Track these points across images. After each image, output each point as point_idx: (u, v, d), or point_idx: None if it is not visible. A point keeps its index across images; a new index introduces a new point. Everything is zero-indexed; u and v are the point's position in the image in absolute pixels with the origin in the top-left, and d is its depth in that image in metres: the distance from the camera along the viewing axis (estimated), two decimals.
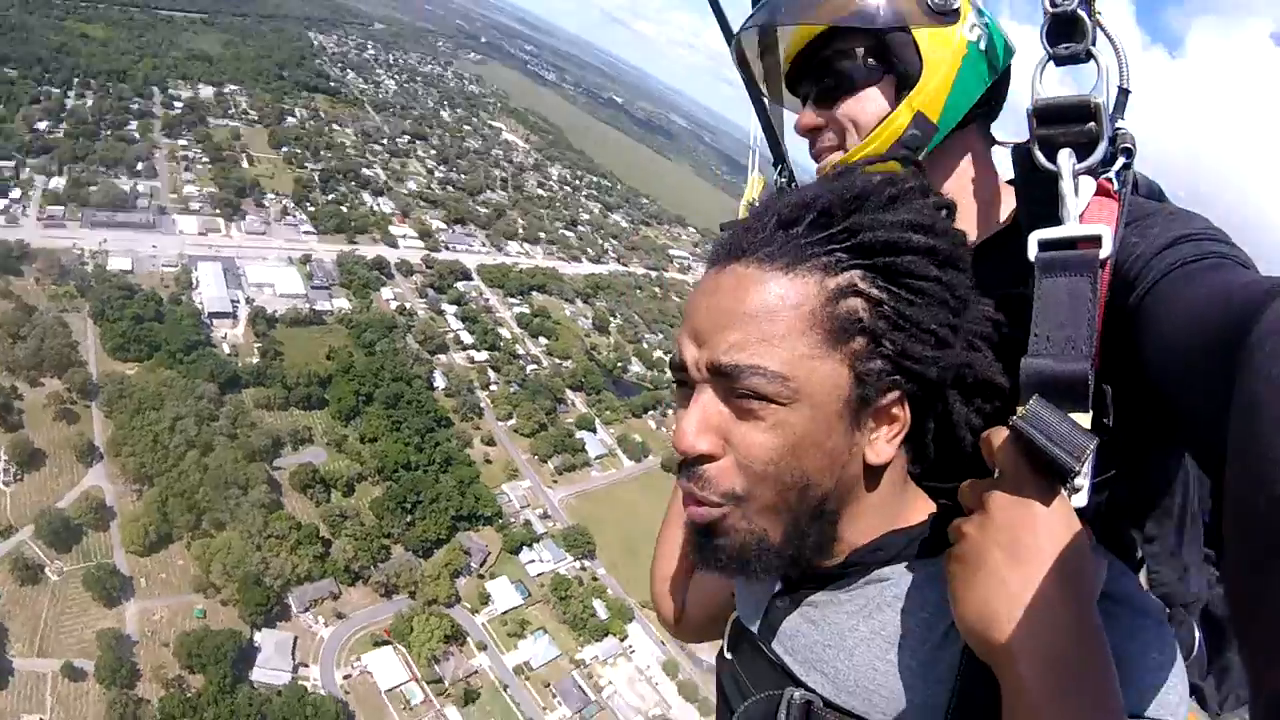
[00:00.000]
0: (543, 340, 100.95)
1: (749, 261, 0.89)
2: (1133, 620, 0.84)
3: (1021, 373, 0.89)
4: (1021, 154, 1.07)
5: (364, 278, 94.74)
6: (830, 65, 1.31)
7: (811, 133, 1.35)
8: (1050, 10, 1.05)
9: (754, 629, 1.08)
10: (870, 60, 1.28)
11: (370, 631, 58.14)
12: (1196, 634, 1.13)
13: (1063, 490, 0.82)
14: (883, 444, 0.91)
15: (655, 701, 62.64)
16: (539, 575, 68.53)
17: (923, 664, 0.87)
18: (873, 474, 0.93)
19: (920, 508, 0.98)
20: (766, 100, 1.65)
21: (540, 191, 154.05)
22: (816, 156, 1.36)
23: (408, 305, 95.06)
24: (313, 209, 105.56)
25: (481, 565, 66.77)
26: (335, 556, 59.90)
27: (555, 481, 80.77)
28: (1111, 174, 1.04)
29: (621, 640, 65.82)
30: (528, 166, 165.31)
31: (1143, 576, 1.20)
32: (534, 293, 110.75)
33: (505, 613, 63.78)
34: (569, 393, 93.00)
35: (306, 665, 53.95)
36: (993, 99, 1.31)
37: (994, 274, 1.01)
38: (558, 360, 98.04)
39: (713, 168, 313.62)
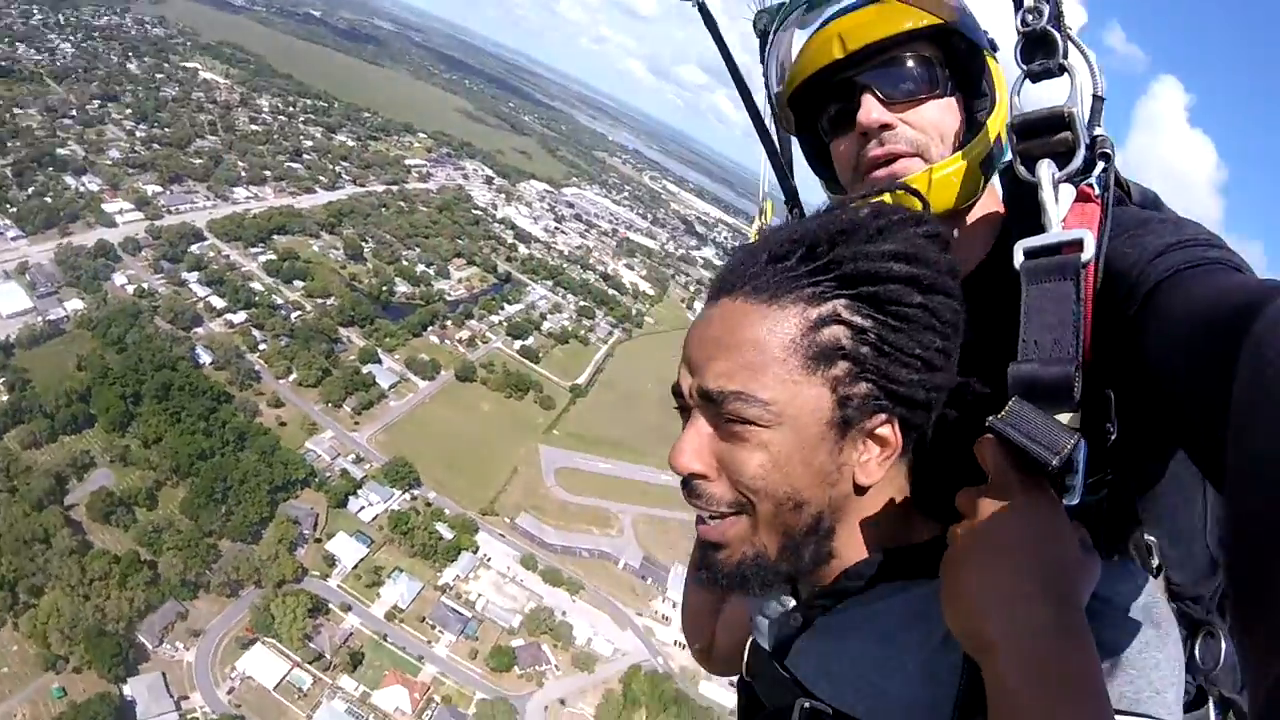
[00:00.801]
0: (298, 284, 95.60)
1: (738, 295, 0.96)
2: (1128, 620, 0.85)
3: (1009, 379, 0.93)
4: (1006, 171, 1.14)
5: (90, 270, 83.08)
6: (905, 64, 1.26)
7: (879, 130, 1.26)
8: (1022, 30, 1.09)
9: (768, 648, 1.14)
10: (948, 71, 1.27)
11: (233, 637, 57.19)
12: (1224, 643, 1.10)
13: (1052, 490, 0.85)
14: (873, 465, 0.95)
15: (527, 597, 68.96)
16: (374, 519, 69.81)
17: (925, 669, 0.90)
18: (867, 495, 0.97)
19: (925, 530, 1.01)
20: (775, 133, 1.69)
21: (254, 127, 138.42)
22: (876, 161, 1.26)
23: (145, 286, 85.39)
24: (13, 209, 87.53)
25: (314, 529, 66.80)
26: (166, 575, 57.29)
27: (357, 423, 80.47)
28: (1092, 179, 1.07)
29: (475, 553, 70.47)
30: (234, 104, 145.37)
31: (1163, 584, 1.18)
32: (275, 236, 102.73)
33: (355, 567, 64.98)
34: (342, 331, 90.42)
35: (187, 697, 52.52)
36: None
37: (995, 293, 1.05)
38: (320, 300, 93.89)
39: (430, 68, 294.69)
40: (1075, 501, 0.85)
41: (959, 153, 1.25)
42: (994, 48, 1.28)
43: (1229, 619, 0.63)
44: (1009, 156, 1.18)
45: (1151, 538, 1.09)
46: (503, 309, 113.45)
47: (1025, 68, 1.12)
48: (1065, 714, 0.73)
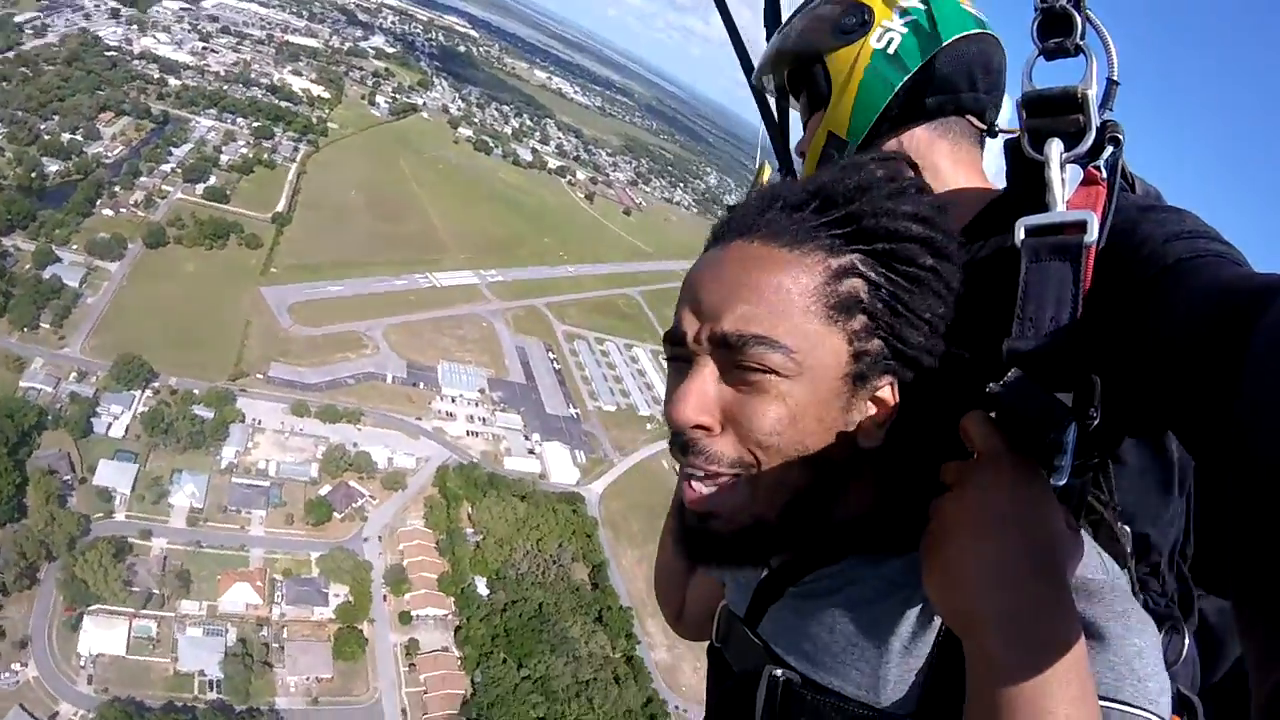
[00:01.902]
0: None
1: (754, 238, 0.91)
2: (1114, 604, 0.83)
3: (1004, 354, 0.89)
4: (1011, 145, 1.10)
5: None
6: (800, 101, 1.46)
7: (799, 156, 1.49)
8: (1040, 6, 1.07)
9: (741, 614, 1.10)
10: (811, 91, 1.39)
11: (59, 624, 49.38)
12: (1188, 640, 1.09)
13: (1040, 470, 0.83)
14: (873, 427, 0.91)
15: (314, 443, 66.20)
16: (127, 432, 61.31)
17: (901, 640, 0.88)
18: (865, 458, 0.93)
19: (895, 504, 0.98)
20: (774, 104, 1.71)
21: None
22: None
23: None
24: None
25: (73, 471, 57.04)
26: None
27: (63, 338, 67.36)
28: (1100, 163, 1.05)
29: (243, 422, 65.96)
30: None
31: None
32: None
33: (133, 489, 57.76)
34: (3, 241, 69.60)
35: (56, 713, 45.97)
36: (928, 96, 1.31)
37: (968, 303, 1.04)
38: None
39: None
40: (1062, 482, 0.82)
41: (805, 163, 1.43)
42: (847, 32, 1.32)
43: (1234, 619, 0.60)
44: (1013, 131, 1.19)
45: (1126, 528, 1.08)
46: (170, 154, 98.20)
47: (1040, 45, 1.09)
48: (1054, 689, 0.71)
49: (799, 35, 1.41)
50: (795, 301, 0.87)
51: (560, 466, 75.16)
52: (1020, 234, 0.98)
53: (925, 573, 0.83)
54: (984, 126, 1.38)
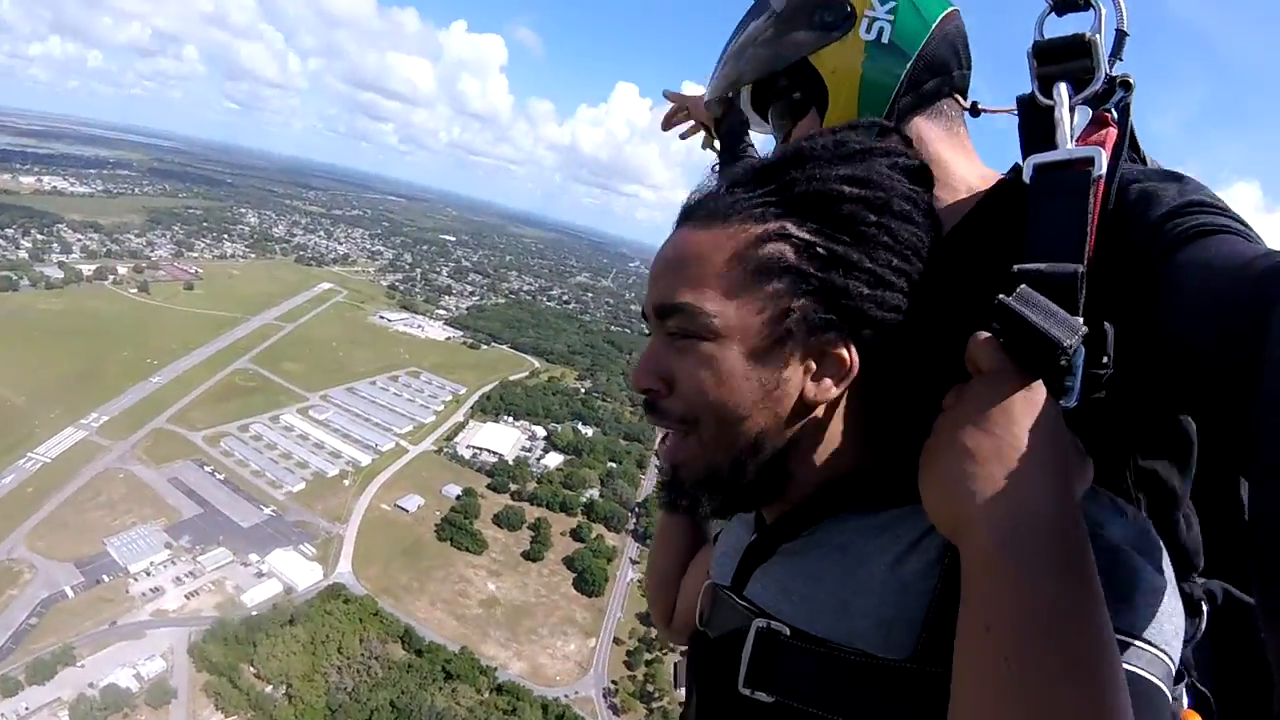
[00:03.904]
0: None
1: (694, 221, 0.98)
2: (1127, 530, 0.80)
3: (1013, 276, 0.87)
4: (1023, 98, 1.11)
5: None
6: (772, 112, 1.42)
7: None
8: None
9: (726, 582, 1.08)
10: (795, 96, 1.34)
11: None
12: (1202, 622, 1.03)
13: (1044, 388, 0.79)
14: (826, 384, 0.92)
15: None
16: None
17: (891, 577, 0.84)
18: (821, 416, 0.94)
19: (899, 461, 0.93)
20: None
21: None
22: None
23: None
24: None
25: None
26: None
27: None
28: (1110, 107, 1.06)
29: None
30: None
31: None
32: None
33: None
34: None
35: None
36: (927, 82, 1.29)
37: (970, 255, 1.03)
38: None
39: None
40: (1071, 404, 0.80)
41: None
42: (832, 28, 1.29)
43: (1257, 612, 0.59)
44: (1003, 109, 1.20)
45: (1156, 466, 1.06)
46: None
47: (1050, 1, 1.11)
48: (1054, 585, 0.67)
49: (769, 42, 1.34)
50: (717, 269, 0.92)
51: (298, 571, 70.99)
52: (1029, 172, 0.99)
53: (922, 484, 0.81)
54: (967, 105, 1.36)
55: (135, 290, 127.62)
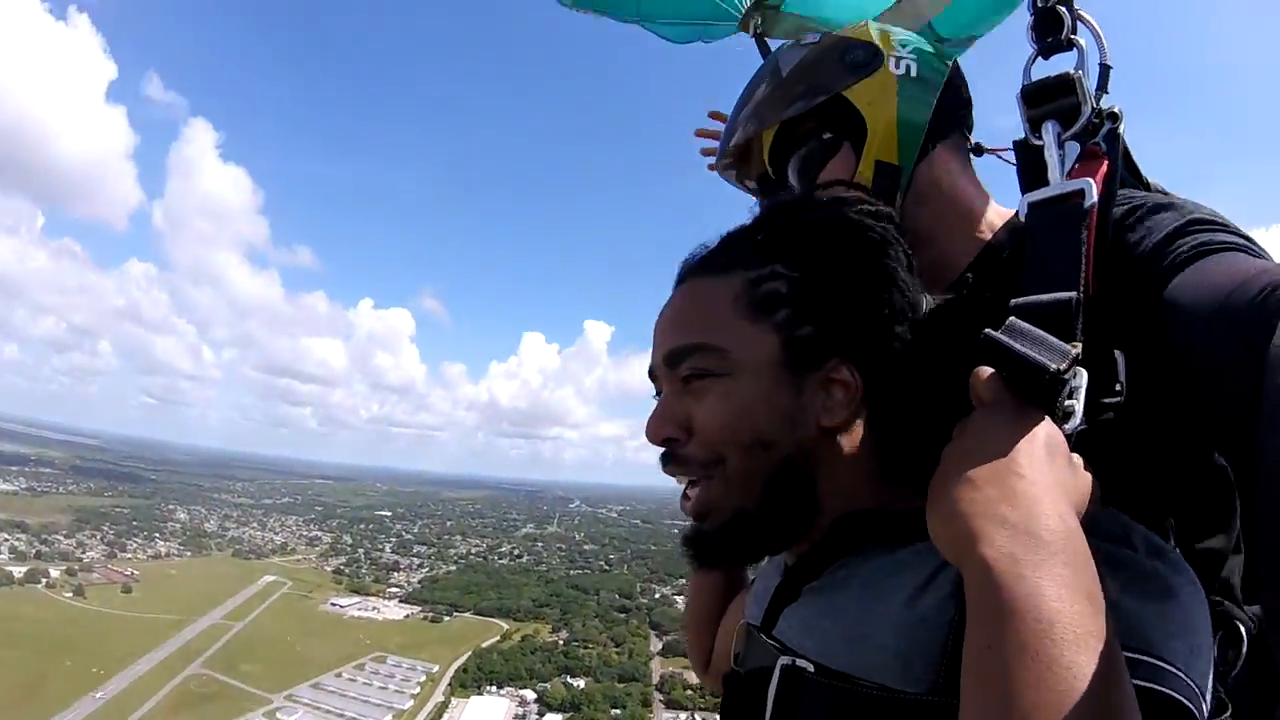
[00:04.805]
0: None
1: (693, 277, 1.07)
2: (1149, 548, 0.79)
3: (1010, 310, 0.90)
4: (1019, 141, 1.17)
5: None
6: (794, 157, 1.42)
7: None
8: (1034, 7, 1.18)
9: (757, 623, 1.10)
10: (824, 136, 1.37)
11: None
12: (1243, 650, 1.00)
13: (1043, 414, 0.80)
14: (838, 405, 0.97)
15: None
16: None
17: (910, 612, 0.84)
18: (837, 441, 0.97)
19: (908, 502, 0.94)
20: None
21: None
22: None
23: None
24: None
25: None
26: None
27: None
28: (1099, 141, 1.09)
29: None
30: None
31: None
32: None
33: None
34: None
35: None
36: (949, 116, 1.36)
37: (989, 291, 1.05)
38: None
39: None
40: (1073, 426, 0.81)
41: None
42: (861, 66, 1.34)
43: (1263, 623, 0.57)
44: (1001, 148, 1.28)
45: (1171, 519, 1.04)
46: None
47: (1036, 45, 1.17)
48: (1056, 601, 0.65)
49: (812, 83, 1.37)
50: (720, 310, 0.99)
51: None
52: (1024, 210, 1.04)
53: (928, 515, 0.81)
54: (972, 145, 1.43)
55: (70, 594, 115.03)
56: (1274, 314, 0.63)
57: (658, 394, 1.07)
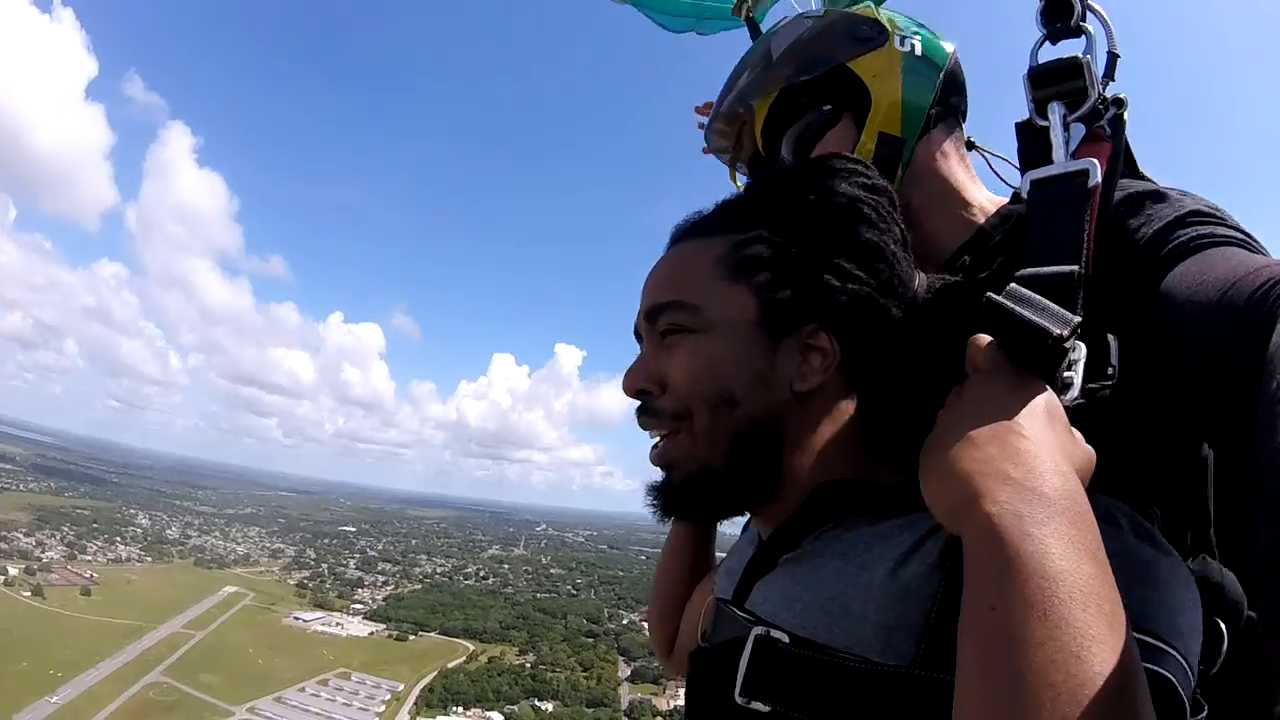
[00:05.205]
0: None
1: (682, 240, 1.07)
2: (1136, 538, 0.75)
3: (1012, 280, 0.88)
4: (1021, 122, 1.15)
5: None
6: (792, 125, 1.40)
7: None
8: None
9: (729, 595, 1.05)
10: (825, 106, 1.36)
11: None
12: (1223, 645, 0.94)
13: (1042, 382, 0.78)
14: (813, 370, 0.95)
15: None
16: None
17: (893, 582, 0.80)
18: (810, 407, 0.96)
19: (889, 476, 0.94)
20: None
21: None
22: None
23: None
24: None
25: None
26: None
27: None
28: (1104, 124, 1.09)
29: None
30: None
31: None
32: None
33: None
34: None
35: None
36: (947, 99, 1.36)
37: (982, 272, 1.06)
38: None
39: None
40: (1072, 396, 0.79)
41: None
42: (868, 40, 1.33)
43: (1259, 625, 0.56)
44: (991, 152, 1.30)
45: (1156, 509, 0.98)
46: None
47: (1045, 29, 1.17)
48: (1061, 560, 0.61)
49: (818, 52, 1.36)
50: (702, 270, 0.99)
51: None
52: (1027, 187, 1.04)
53: (922, 479, 0.79)
54: (965, 138, 1.42)
55: (29, 594, 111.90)
56: (1274, 311, 0.63)
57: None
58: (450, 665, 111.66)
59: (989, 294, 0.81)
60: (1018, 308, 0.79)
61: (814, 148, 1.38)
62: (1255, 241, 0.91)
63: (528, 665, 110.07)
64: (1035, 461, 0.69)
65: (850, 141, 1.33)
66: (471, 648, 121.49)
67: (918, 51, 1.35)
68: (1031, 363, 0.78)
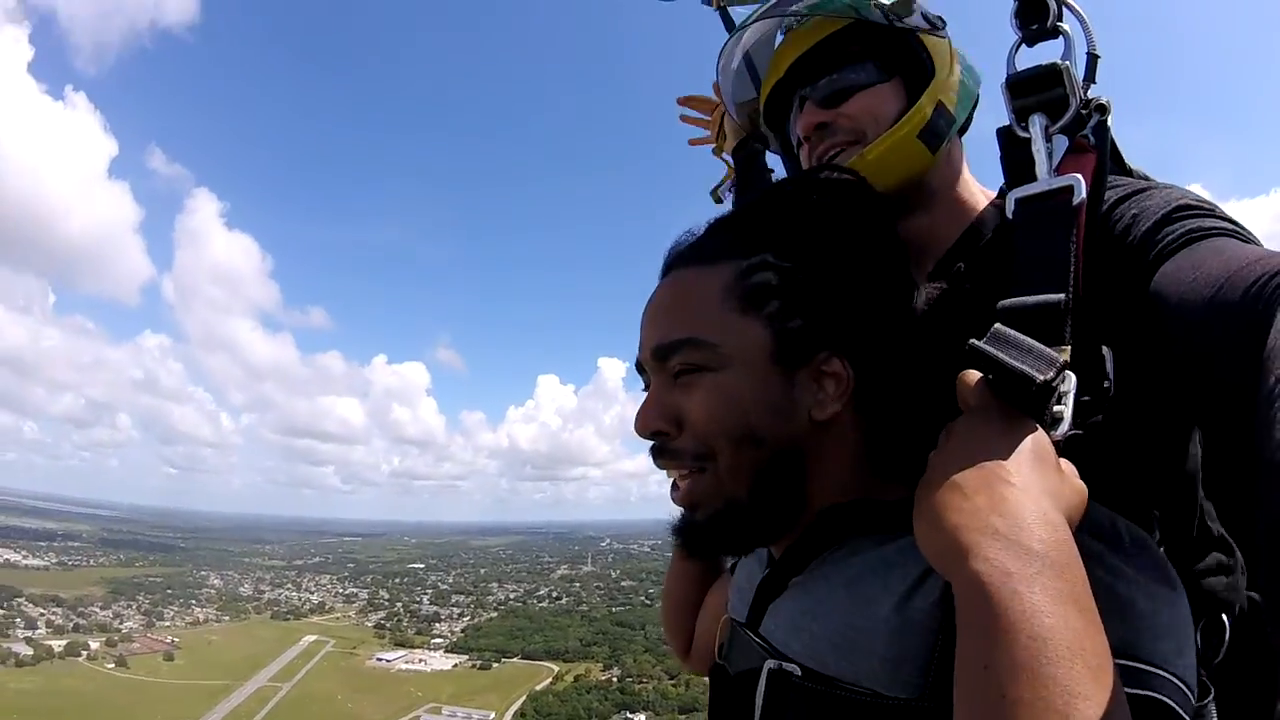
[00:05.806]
0: None
1: (681, 267, 1.03)
2: (1123, 565, 0.76)
3: (996, 313, 0.88)
4: (1002, 131, 1.13)
5: None
6: (840, 66, 1.30)
7: (817, 131, 1.30)
8: None
9: (743, 619, 1.07)
10: (881, 60, 1.28)
11: None
12: (1226, 635, 1.00)
13: (1030, 420, 0.79)
14: (830, 398, 0.94)
15: None
16: None
17: (898, 615, 0.82)
18: (828, 435, 0.95)
19: (894, 493, 0.93)
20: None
21: None
22: (821, 157, 1.30)
23: None
24: None
25: None
26: None
27: None
28: (1087, 132, 1.07)
29: None
30: None
31: None
32: None
33: None
34: None
35: None
36: (973, 107, 1.33)
37: (975, 281, 1.06)
38: None
39: None
40: (1060, 432, 0.80)
41: (890, 130, 1.23)
42: (935, 25, 1.27)
43: (1265, 620, 0.57)
44: (960, 119, 1.26)
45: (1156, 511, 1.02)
46: None
47: (1021, 32, 1.14)
48: (1050, 617, 0.63)
49: (886, 5, 1.24)
50: (710, 303, 0.96)
51: None
52: (1012, 206, 1.02)
53: (914, 521, 0.80)
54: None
55: (113, 665, 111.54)
56: (1271, 304, 0.63)
57: (646, 386, 1.04)
58: (538, 688, 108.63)
59: (971, 341, 0.81)
60: (1001, 354, 0.79)
61: (852, 99, 1.29)
62: (1245, 231, 0.90)
63: (614, 680, 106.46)
64: (1022, 511, 0.70)
65: (900, 103, 1.27)
66: (556, 668, 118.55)
67: (966, 60, 1.34)
68: (1018, 405, 0.79)
